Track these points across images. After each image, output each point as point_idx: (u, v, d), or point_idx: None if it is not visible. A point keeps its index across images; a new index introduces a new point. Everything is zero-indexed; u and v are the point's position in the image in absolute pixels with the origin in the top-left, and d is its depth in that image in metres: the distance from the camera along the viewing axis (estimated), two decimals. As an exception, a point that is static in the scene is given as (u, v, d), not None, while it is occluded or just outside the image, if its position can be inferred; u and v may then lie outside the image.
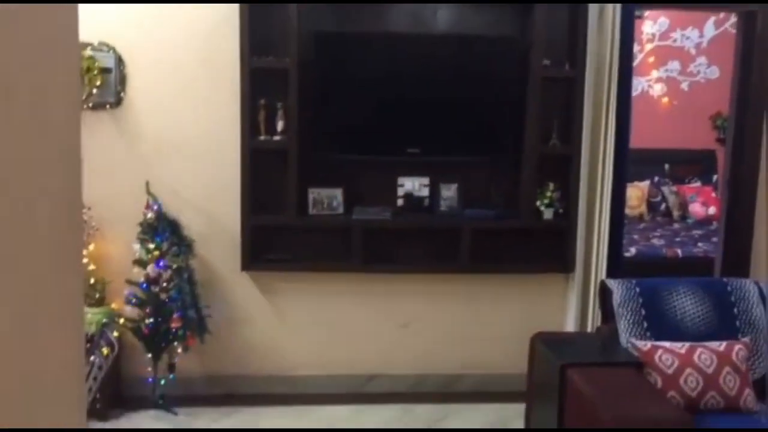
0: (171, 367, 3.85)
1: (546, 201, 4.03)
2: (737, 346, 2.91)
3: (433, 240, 4.10)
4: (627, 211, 6.70)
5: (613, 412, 2.46)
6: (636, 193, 6.82)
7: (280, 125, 3.85)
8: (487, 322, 4.18)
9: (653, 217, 6.78)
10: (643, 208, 6.81)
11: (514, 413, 3.76)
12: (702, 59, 7.00)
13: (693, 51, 7.03)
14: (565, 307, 4.11)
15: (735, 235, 4.15)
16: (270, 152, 3.88)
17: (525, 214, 4.04)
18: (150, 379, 3.83)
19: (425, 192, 4.11)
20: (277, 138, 3.85)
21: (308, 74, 3.84)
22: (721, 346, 2.91)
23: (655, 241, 5.82)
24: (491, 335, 4.17)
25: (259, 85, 3.80)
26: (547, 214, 4.05)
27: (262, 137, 3.84)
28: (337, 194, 4.02)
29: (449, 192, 4.12)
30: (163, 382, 3.84)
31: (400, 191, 4.09)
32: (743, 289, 3.12)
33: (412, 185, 4.10)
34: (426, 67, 3.97)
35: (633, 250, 5.48)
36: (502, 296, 4.18)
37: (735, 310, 3.05)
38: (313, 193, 3.99)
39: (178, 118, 3.86)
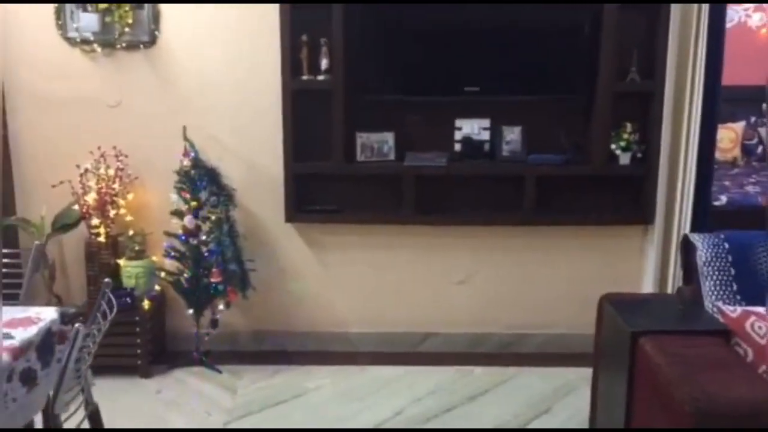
0: (214, 323, 3.67)
1: (622, 144, 3.58)
2: None
3: (493, 188, 3.73)
4: (718, 155, 6.07)
5: (690, 390, 2.07)
6: (729, 134, 6.16)
7: (324, 63, 3.52)
8: (552, 278, 3.81)
9: (748, 162, 6.11)
10: (737, 152, 6.15)
11: (580, 379, 3.42)
12: (811, -18, 6.18)
13: (801, -27, 6.21)
14: (642, 265, 3.68)
15: None
16: (314, 93, 3.57)
17: (598, 158, 3.60)
18: (194, 335, 3.66)
19: (485, 135, 3.73)
20: (321, 78, 3.53)
21: (355, 7, 3.48)
22: (827, 313, 2.45)
23: (750, 188, 5.22)
24: (557, 293, 3.80)
25: (300, 20, 3.48)
26: (624, 158, 3.60)
27: (305, 77, 3.53)
28: (388, 139, 3.68)
29: (512, 135, 3.73)
30: (207, 337, 3.67)
31: (458, 135, 3.72)
32: None
33: (471, 128, 3.72)
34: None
35: (724, 199, 4.91)
36: (570, 251, 3.78)
37: None
38: (362, 138, 3.66)
39: (215, 57, 3.59)
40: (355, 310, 3.87)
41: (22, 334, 1.95)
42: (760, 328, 2.43)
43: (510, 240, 3.79)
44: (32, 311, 2.14)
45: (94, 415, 2.24)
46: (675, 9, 3.34)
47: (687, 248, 2.77)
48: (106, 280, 2.24)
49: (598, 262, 3.76)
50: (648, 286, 3.59)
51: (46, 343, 1.93)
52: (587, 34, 3.52)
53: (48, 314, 2.11)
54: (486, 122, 3.71)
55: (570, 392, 3.44)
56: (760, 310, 2.49)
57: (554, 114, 3.70)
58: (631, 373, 2.45)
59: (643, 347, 2.38)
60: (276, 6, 3.43)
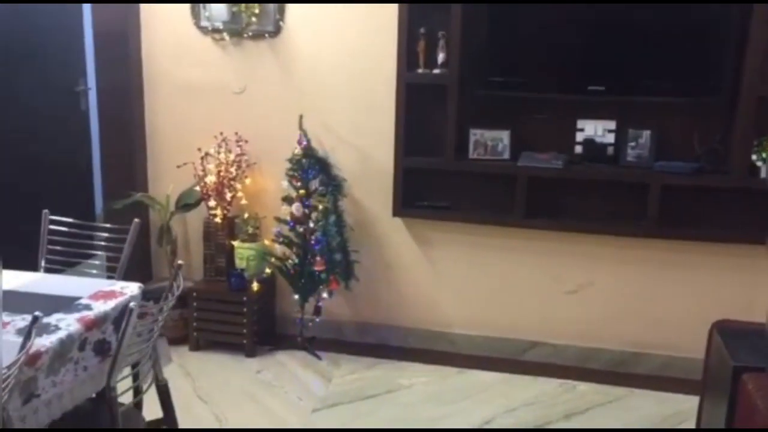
0: (317, 310, 3.73)
1: (765, 155, 3.20)
2: None
3: (614, 195, 3.49)
4: None
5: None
6: None
7: (440, 57, 3.45)
8: (673, 296, 3.50)
9: None
10: None
11: (691, 408, 3.11)
12: None
13: None
14: (778, 290, 3.29)
15: None
16: (429, 87, 3.50)
17: (736, 169, 3.25)
18: (298, 320, 3.75)
19: (609, 138, 3.48)
20: (436, 71, 3.46)
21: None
22: None
23: None
24: (677, 312, 3.49)
25: (419, 13, 3.42)
26: (766, 171, 3.22)
27: (421, 70, 3.48)
28: (503, 137, 3.54)
29: (640, 139, 3.45)
30: (311, 324, 3.75)
31: (579, 136, 3.51)
32: None
33: (594, 130, 3.49)
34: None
35: None
36: (696, 268, 3.46)
37: None
38: (475, 135, 3.55)
39: (335, 48, 3.63)
40: (459, 311, 3.78)
41: (100, 307, 2.07)
42: None
43: (629, 251, 3.52)
44: (119, 285, 2.27)
45: (162, 391, 2.33)
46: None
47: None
48: (179, 262, 2.32)
49: (727, 283, 3.41)
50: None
51: (123, 317, 2.02)
52: (734, 30, 3.17)
53: (132, 289, 2.22)
54: (611, 124, 3.47)
55: (681, 422, 3.16)
56: None
57: (688, 118, 3.38)
58: (731, 410, 2.19)
59: (745, 384, 2.12)
60: (395, -2, 3.40)
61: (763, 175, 3.22)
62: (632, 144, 3.44)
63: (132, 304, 1.97)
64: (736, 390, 2.15)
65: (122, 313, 2.06)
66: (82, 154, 4.35)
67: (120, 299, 2.13)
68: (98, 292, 2.18)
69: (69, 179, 4.28)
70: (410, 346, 3.83)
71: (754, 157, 3.22)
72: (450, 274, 3.75)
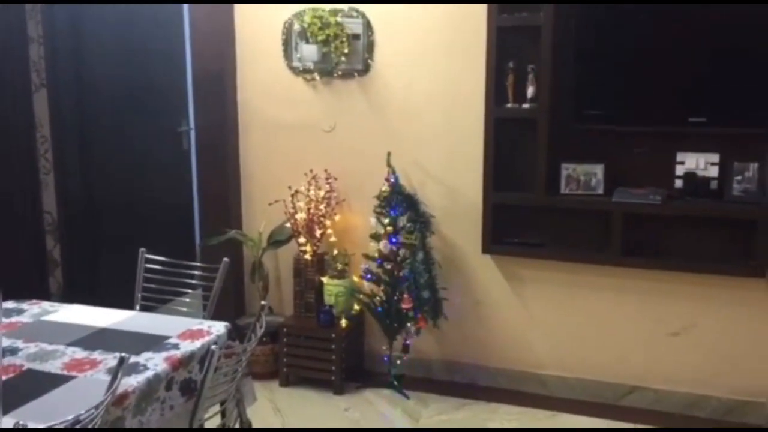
0: (405, 348, 3.69)
1: None
2: None
3: (719, 232, 3.29)
4: None
5: None
6: None
7: (530, 91, 3.38)
8: (789, 341, 3.24)
9: None
10: None
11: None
12: None
13: None
14: None
15: None
16: (518, 121, 3.44)
17: None
18: (385, 358, 3.72)
19: (713, 172, 3.30)
20: (526, 106, 3.39)
21: (565, 31, 3.29)
22: None
23: None
24: (794, 359, 3.23)
25: (508, 46, 3.38)
26: None
27: (509, 105, 3.42)
28: (597, 171, 3.42)
29: (747, 173, 3.25)
30: (399, 362, 3.70)
31: (679, 170, 3.34)
32: None
33: (696, 163, 3.32)
34: (715, 9, 3.12)
35: None
36: (814, 311, 3.19)
37: None
38: (567, 170, 3.45)
39: (423, 84, 3.62)
40: (552, 351, 3.64)
41: (188, 346, 2.11)
42: None
43: (735, 292, 3.30)
44: (206, 324, 2.31)
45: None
46: None
47: None
48: (262, 303, 2.34)
49: None
50: None
51: (209, 355, 2.05)
52: None
53: (218, 328, 2.25)
54: (714, 157, 3.29)
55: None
56: None
57: (801, 149, 3.16)
58: None
59: None
60: (484, 32, 3.36)
61: None
62: (738, 178, 3.24)
63: (213, 346, 1.99)
64: None
65: (209, 352, 2.09)
66: (184, 193, 4.54)
67: (207, 338, 2.17)
68: (186, 331, 2.23)
69: (173, 216, 4.48)
70: (500, 387, 3.71)
71: None
72: (541, 313, 3.63)
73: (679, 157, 3.32)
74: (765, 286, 3.22)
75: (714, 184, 3.29)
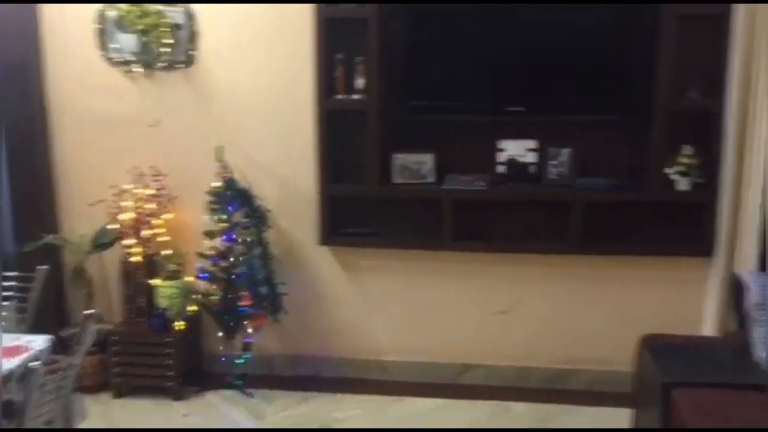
0: (246, 346, 3.60)
1: (681, 168, 3.29)
2: None
3: (538, 214, 3.51)
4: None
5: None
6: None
7: (359, 83, 3.41)
8: (602, 312, 3.54)
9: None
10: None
11: (624, 422, 3.13)
12: None
13: None
14: (701, 302, 3.35)
15: None
16: (349, 113, 3.46)
17: (653, 184, 3.32)
18: (225, 358, 3.61)
19: (531, 158, 3.51)
20: (356, 97, 3.42)
21: (392, 23, 3.35)
22: None
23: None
24: (607, 328, 3.52)
25: (336, 38, 3.38)
26: (683, 184, 3.30)
27: (340, 96, 3.43)
28: (427, 160, 3.53)
29: (561, 158, 3.49)
30: (241, 360, 3.61)
31: (501, 157, 3.52)
32: None
33: (516, 150, 3.51)
34: (531, 7, 3.32)
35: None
36: (623, 283, 3.50)
37: None
38: (399, 159, 3.52)
39: (251, 77, 3.55)
40: (392, 338, 3.73)
41: (4, 365, 1.92)
42: (816, 385, 2.13)
43: (556, 269, 3.55)
44: (25, 339, 2.11)
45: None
46: (738, 19, 3.04)
47: (739, 288, 2.48)
48: (85, 312, 2.18)
49: (653, 296, 3.47)
50: (708, 327, 3.27)
51: (29, 374, 1.88)
52: (643, 49, 3.25)
53: (39, 343, 2.07)
54: (532, 143, 3.50)
55: (616, 437, 3.18)
56: (819, 363, 2.18)
57: (607, 135, 3.44)
58: (663, 427, 2.20)
59: (676, 401, 2.13)
60: (310, 25, 3.34)
61: (680, 188, 3.30)
62: (553, 162, 3.48)
63: (34, 364, 1.82)
64: (667, 406, 2.16)
65: (29, 370, 1.92)
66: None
67: (26, 355, 1.98)
68: (3, 348, 2.03)
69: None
70: (344, 376, 3.74)
71: (670, 171, 3.29)
72: (380, 300, 3.70)
73: (501, 144, 3.50)
74: (580, 261, 3.49)
75: (533, 169, 3.50)
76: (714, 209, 3.24)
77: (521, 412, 3.42)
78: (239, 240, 3.44)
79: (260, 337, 3.64)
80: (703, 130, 3.28)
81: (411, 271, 3.64)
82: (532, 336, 3.62)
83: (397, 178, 3.52)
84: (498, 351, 3.66)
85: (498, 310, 3.62)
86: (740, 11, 3.03)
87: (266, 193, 3.57)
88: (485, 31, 3.37)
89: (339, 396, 3.59)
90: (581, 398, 3.51)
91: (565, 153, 3.48)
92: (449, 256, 3.57)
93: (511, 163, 3.50)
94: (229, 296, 3.47)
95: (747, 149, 3.12)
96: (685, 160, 3.28)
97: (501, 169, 3.51)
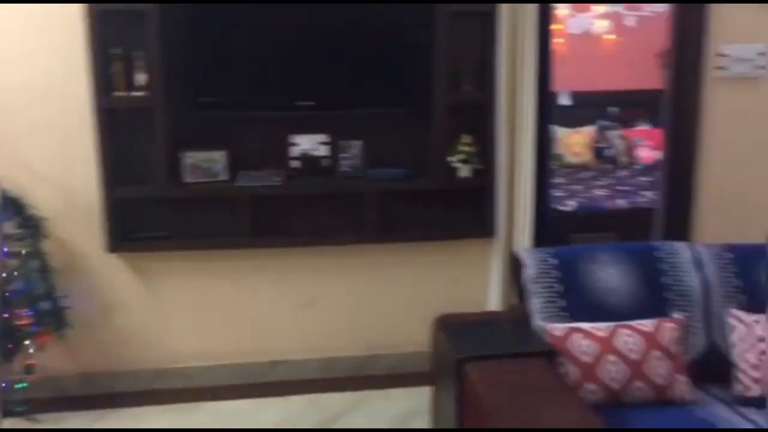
0: (28, 369, 3.29)
1: (462, 157, 3.50)
2: (668, 325, 2.45)
3: (334, 206, 3.57)
4: (571, 159, 6.26)
5: (507, 420, 1.98)
6: (580, 139, 6.34)
7: (141, 79, 3.24)
8: (401, 297, 3.69)
9: (599, 165, 6.31)
10: (589, 156, 6.34)
11: (427, 398, 3.29)
12: (648, -9, 6.46)
13: (638, -18, 6.49)
14: (486, 280, 3.61)
15: (677, 186, 3.68)
16: (131, 111, 3.28)
17: (437, 172, 3.51)
18: (4, 384, 3.27)
19: (324, 151, 3.55)
20: (138, 94, 3.25)
21: (173, 16, 3.22)
22: (648, 325, 2.44)
23: (598, 192, 5.36)
24: (406, 311, 3.67)
25: (110, 33, 3.18)
26: (464, 171, 3.52)
27: (119, 94, 3.23)
28: (218, 158, 3.44)
29: (352, 150, 3.57)
30: (23, 384, 3.28)
31: (294, 151, 3.53)
32: (676, 254, 2.64)
33: (309, 144, 3.54)
34: (316, 2, 3.35)
35: (573, 204, 5.01)
36: (417, 268, 3.68)
37: (665, 279, 2.58)
38: (189, 158, 3.40)
39: (15, 76, 3.23)
40: (194, 343, 3.60)
41: None
42: (584, 345, 2.38)
43: (355, 259, 3.64)
44: None
45: None
46: (502, 17, 3.29)
47: (517, 265, 2.70)
48: None
49: (445, 278, 3.67)
50: (493, 302, 3.53)
51: None
52: (421, 44, 3.42)
53: None
54: (324, 137, 3.55)
55: (418, 413, 3.32)
56: (586, 326, 2.44)
57: (395, 127, 3.57)
58: (459, 400, 2.34)
59: (469, 374, 2.27)
60: (80, 16, 3.11)
61: (462, 174, 3.52)
62: (345, 155, 3.55)
63: None
64: (461, 380, 2.30)
65: None
66: None
67: None
68: None
69: None
70: (142, 389, 3.55)
71: (452, 159, 3.50)
72: (179, 305, 3.55)
73: (293, 139, 3.51)
74: (376, 250, 3.60)
75: (326, 163, 3.55)
76: (492, 194, 3.49)
77: (331, 402, 3.47)
78: (13, 253, 3.12)
79: (45, 358, 3.34)
80: (478, 120, 3.52)
81: (210, 272, 3.54)
82: (337, 326, 3.68)
83: (188, 178, 3.40)
84: (305, 344, 3.68)
85: (302, 304, 3.64)
86: (503, 10, 3.28)
87: (42, 201, 3.28)
88: (272, 25, 3.35)
89: (139, 410, 3.41)
90: (386, 381, 3.64)
91: (357, 145, 3.56)
92: (248, 254, 3.52)
93: (305, 157, 3.53)
94: (4, 315, 3.14)
95: (517, 137, 3.40)
96: (464, 149, 3.49)
97: (295, 163, 3.52)
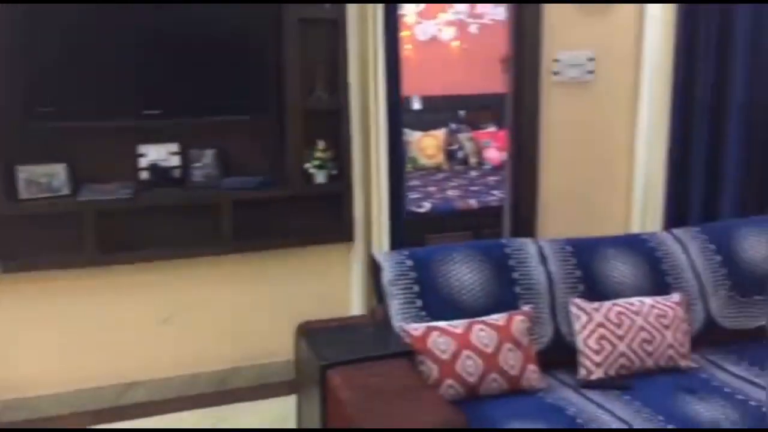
0: None
1: (316, 162, 3.51)
2: (518, 317, 2.58)
3: (188, 218, 3.45)
4: (424, 161, 6.45)
5: (369, 422, 2.01)
6: (432, 142, 6.54)
7: (-35, 88, 2.99)
8: (262, 307, 3.63)
9: (451, 166, 6.54)
10: (441, 158, 6.56)
11: (293, 407, 3.27)
12: (488, -1, 6.79)
13: (479, -9, 6.80)
14: (348, 284, 3.64)
15: (521, 184, 3.89)
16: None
17: (294, 179, 3.49)
18: None
19: (175, 161, 3.44)
20: (-38, 105, 2.99)
21: (3, 16, 2.99)
22: (500, 319, 2.56)
23: (450, 193, 5.55)
24: (269, 321, 3.61)
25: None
26: (320, 177, 3.53)
27: (-61, 105, 2.97)
28: (59, 171, 3.24)
29: (205, 159, 3.48)
30: None
31: (143, 162, 3.39)
32: (522, 250, 2.79)
33: (158, 154, 3.42)
34: (160, 7, 3.23)
35: (427, 206, 5.16)
36: (278, 276, 3.63)
37: (514, 274, 2.72)
38: (24, 172, 3.18)
39: None
40: (38, 370, 3.36)
41: None
42: (442, 343, 2.46)
43: (212, 271, 3.54)
44: None
45: None
46: (350, 23, 3.33)
47: (375, 267, 2.74)
48: None
49: (308, 285, 3.65)
50: (356, 306, 3.57)
51: None
52: (271, 51, 3.39)
53: None
54: (174, 146, 3.43)
55: (286, 424, 3.29)
56: (443, 324, 2.52)
57: (249, 135, 3.53)
58: (323, 407, 2.34)
59: (331, 380, 2.28)
60: None
61: (318, 180, 3.52)
62: (198, 164, 3.46)
63: None
64: (324, 386, 2.31)
65: None
66: None
67: None
68: None
69: None
70: (-17, 425, 3.28)
71: (307, 165, 3.50)
72: (18, 333, 3.30)
73: (142, 149, 3.38)
74: (235, 260, 3.52)
75: (177, 173, 3.44)
76: (350, 198, 3.52)
77: (193, 420, 3.36)
78: None
79: None
80: (333, 125, 3.54)
81: (54, 295, 3.32)
82: (197, 341, 3.57)
83: (24, 194, 3.17)
84: (163, 363, 3.53)
85: (159, 321, 3.50)
86: (351, 15, 3.33)
87: None
88: (115, 28, 3.19)
89: (-21, 448, 3.14)
90: (252, 393, 3.57)
91: (209, 154, 3.48)
92: (97, 272, 3.33)
93: (154, 167, 3.40)
94: None
95: (371, 142, 3.46)
96: (319, 155, 3.51)
97: (144, 174, 3.38)
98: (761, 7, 3.65)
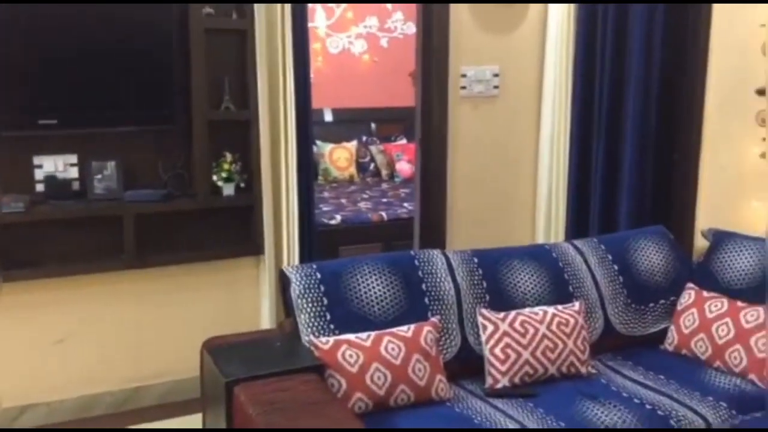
0: None
1: (224, 175, 3.44)
2: (426, 329, 2.60)
3: (88, 232, 3.32)
4: (336, 173, 6.44)
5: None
6: (344, 154, 6.55)
7: None
8: (168, 323, 3.52)
9: (363, 178, 6.57)
10: (353, 170, 6.57)
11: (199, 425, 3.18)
12: (398, 14, 6.88)
13: (389, 6, 6.87)
14: (258, 298, 3.58)
15: (430, 197, 3.93)
16: None
17: (201, 191, 3.42)
18: None
19: (74, 173, 3.31)
20: None
21: None
22: (409, 330, 2.57)
23: (362, 205, 5.56)
24: (175, 338, 3.50)
25: None
26: (227, 189, 3.47)
27: None
28: (-55, 184, 3.05)
29: (106, 171, 3.36)
30: None
31: (39, 174, 3.25)
32: (431, 261, 2.82)
33: (55, 165, 3.28)
34: (58, 12, 3.11)
35: (339, 218, 5.15)
36: (184, 291, 3.53)
37: (423, 286, 2.74)
38: None
39: None
40: None
41: None
42: (351, 356, 2.45)
43: (114, 287, 3.41)
44: None
45: None
46: (260, 35, 3.30)
47: (286, 281, 2.70)
48: None
49: (216, 299, 3.57)
50: (266, 320, 3.51)
51: None
52: (176, 61, 3.32)
53: None
54: (72, 158, 3.30)
55: (191, 444, 3.20)
56: (351, 337, 2.51)
57: (151, 146, 3.43)
58: (230, 425, 2.28)
59: (238, 397, 2.23)
60: None
61: (226, 192, 3.46)
62: (98, 176, 3.33)
63: None
64: (230, 403, 2.25)
65: None
66: None
67: None
68: None
69: None
70: None
71: (215, 177, 3.43)
72: None
73: (37, 160, 3.23)
74: (137, 275, 3.40)
75: (76, 185, 3.31)
76: (259, 211, 3.47)
77: (92, 444, 3.22)
78: None
79: None
80: (241, 137, 3.49)
81: (-61, 315, 3.12)
82: (96, 361, 3.42)
83: None
84: (58, 384, 3.37)
85: (54, 340, 3.33)
86: (260, 27, 3.29)
87: None
88: (7, 36, 3.04)
89: None
90: (156, 413, 3.45)
91: (110, 166, 3.36)
92: (-13, 291, 3.15)
93: (51, 180, 3.26)
94: None
95: (281, 154, 3.42)
96: (227, 167, 3.44)
97: (40, 187, 3.24)
98: (653, 22, 3.79)
